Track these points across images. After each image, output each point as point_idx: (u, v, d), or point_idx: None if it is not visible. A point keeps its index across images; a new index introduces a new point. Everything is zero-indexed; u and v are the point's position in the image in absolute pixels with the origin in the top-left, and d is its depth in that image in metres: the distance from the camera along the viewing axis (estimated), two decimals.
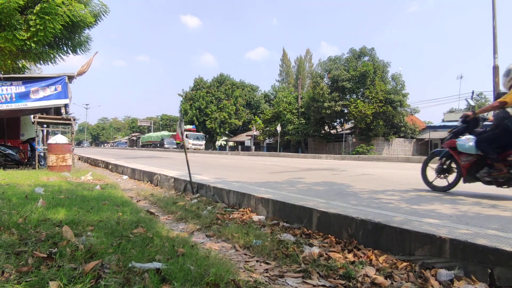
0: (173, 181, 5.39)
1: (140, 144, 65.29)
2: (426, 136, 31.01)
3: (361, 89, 26.20)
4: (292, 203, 2.97)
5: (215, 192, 4.19)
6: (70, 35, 10.25)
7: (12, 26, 8.81)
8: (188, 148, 34.78)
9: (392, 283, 1.74)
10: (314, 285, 1.76)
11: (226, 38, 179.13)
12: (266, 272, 1.94)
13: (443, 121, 31.25)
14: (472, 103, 21.77)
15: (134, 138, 76.43)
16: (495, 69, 13.88)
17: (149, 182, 6.37)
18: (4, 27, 8.85)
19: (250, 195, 3.54)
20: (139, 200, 4.48)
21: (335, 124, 30.92)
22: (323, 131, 30.37)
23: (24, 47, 9.31)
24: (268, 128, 33.25)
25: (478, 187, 4.00)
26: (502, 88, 3.99)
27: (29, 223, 2.24)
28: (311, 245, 2.37)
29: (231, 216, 3.28)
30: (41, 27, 8.81)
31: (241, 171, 7.24)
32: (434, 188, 4.24)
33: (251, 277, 1.82)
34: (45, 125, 9.31)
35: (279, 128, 27.71)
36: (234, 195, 3.83)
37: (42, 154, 8.93)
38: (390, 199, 3.32)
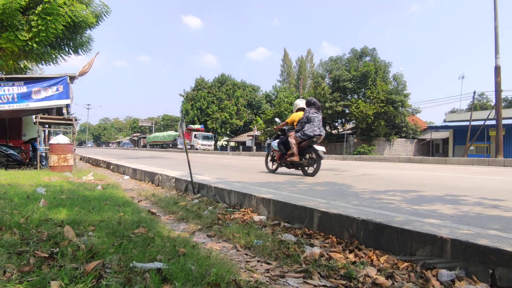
0: (174, 181, 5.39)
1: (142, 144, 64.78)
2: (427, 136, 30.96)
3: (363, 89, 26.19)
4: (293, 203, 2.97)
5: (216, 192, 4.19)
6: (71, 35, 10.29)
7: (14, 26, 8.85)
8: (197, 149, 34.38)
9: (393, 283, 1.74)
10: (315, 285, 1.76)
11: (228, 38, 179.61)
12: (267, 272, 1.94)
13: (444, 121, 31.16)
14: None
15: (136, 138, 76.55)
16: (497, 69, 13.85)
17: (150, 182, 6.38)
18: (6, 27, 8.89)
19: (251, 195, 3.54)
20: (141, 200, 4.49)
21: (337, 124, 30.92)
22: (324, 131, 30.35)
23: (26, 47, 9.35)
24: (269, 128, 33.23)
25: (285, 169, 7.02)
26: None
27: (30, 223, 2.25)
28: (312, 245, 2.37)
29: (232, 216, 3.28)
30: (43, 28, 8.84)
31: (242, 171, 7.24)
32: (270, 171, 6.99)
33: (252, 277, 1.82)
34: (46, 126, 9.34)
35: None
36: (235, 195, 3.83)
37: (43, 154, 8.95)
38: (391, 199, 3.31)
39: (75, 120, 8.95)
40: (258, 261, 2.14)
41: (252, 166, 9.24)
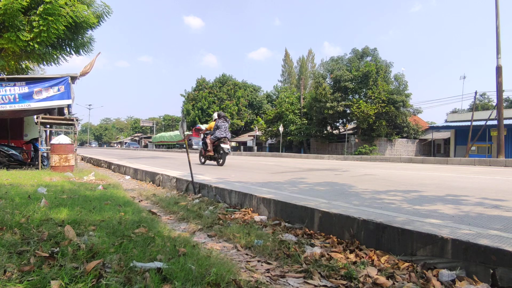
0: (175, 181, 5.40)
1: (144, 144, 64.19)
2: (429, 136, 30.89)
3: (364, 90, 26.13)
4: (294, 203, 2.96)
5: (217, 192, 4.19)
6: (73, 36, 10.31)
7: (15, 27, 8.88)
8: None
9: (393, 284, 1.73)
10: (315, 285, 1.76)
11: (229, 38, 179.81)
12: (268, 272, 1.94)
13: (446, 121, 31.09)
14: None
15: (137, 138, 76.53)
16: (499, 69, 13.81)
17: (151, 182, 6.38)
18: (7, 28, 8.92)
19: (252, 195, 3.54)
20: (141, 200, 4.49)
21: (338, 124, 30.86)
22: (325, 132, 30.31)
23: (27, 48, 9.38)
24: (270, 129, 33.23)
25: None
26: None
27: (31, 222, 2.26)
28: (312, 245, 2.37)
29: (232, 216, 3.28)
30: (44, 28, 8.87)
31: (243, 171, 7.24)
32: (201, 163, 9.74)
33: (252, 277, 1.82)
34: (48, 126, 9.36)
35: (281, 129, 27.68)
36: (235, 195, 3.83)
37: (45, 154, 8.97)
38: (392, 199, 3.31)
39: (77, 120, 8.96)
40: (258, 261, 2.14)
41: (253, 166, 9.23)
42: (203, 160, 9.90)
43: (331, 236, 2.52)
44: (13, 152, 8.41)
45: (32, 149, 9.31)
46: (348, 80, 25.78)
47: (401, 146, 27.98)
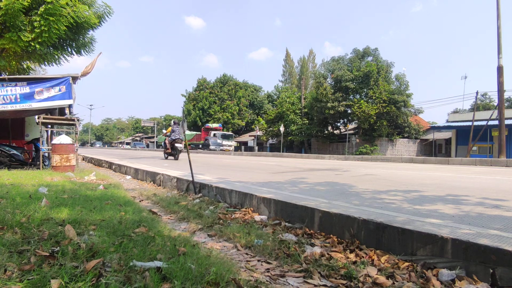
0: (176, 181, 5.40)
1: (145, 144, 63.94)
2: (430, 136, 30.85)
3: (365, 89, 26.12)
4: (294, 203, 2.96)
5: (217, 192, 4.20)
6: (74, 36, 10.34)
7: (16, 27, 8.90)
8: (214, 149, 33.05)
9: (393, 283, 1.73)
10: (315, 285, 1.76)
11: (230, 38, 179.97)
12: (267, 272, 1.94)
13: (447, 121, 31.03)
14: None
15: (138, 138, 76.55)
16: (500, 69, 13.79)
17: (152, 182, 6.39)
18: (8, 28, 8.94)
19: (252, 195, 3.54)
20: (142, 200, 4.49)
21: (339, 124, 30.86)
22: (326, 132, 30.31)
23: (28, 48, 9.40)
24: (271, 129, 33.21)
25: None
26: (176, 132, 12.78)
27: (32, 222, 2.26)
28: (312, 245, 2.37)
29: (233, 216, 3.29)
30: (46, 28, 8.89)
31: (243, 171, 7.24)
32: (165, 158, 13.31)
33: (252, 276, 1.82)
34: (49, 126, 9.38)
35: (282, 129, 27.68)
36: (236, 195, 3.83)
37: (46, 154, 8.99)
38: (392, 199, 3.30)
39: (78, 120, 8.98)
40: (258, 260, 2.14)
41: (254, 166, 9.24)
42: (166, 156, 13.56)
43: (331, 235, 2.52)
44: (15, 152, 8.43)
45: (33, 149, 9.33)
46: (349, 80, 25.76)
47: (402, 146, 27.93)
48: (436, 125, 30.62)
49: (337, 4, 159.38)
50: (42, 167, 8.08)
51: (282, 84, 58.28)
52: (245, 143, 44.88)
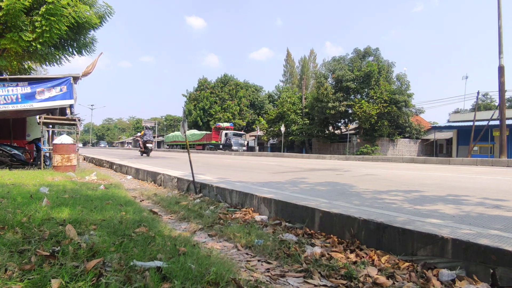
0: (176, 181, 5.41)
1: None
2: (431, 136, 30.80)
3: (366, 89, 26.09)
4: (295, 203, 2.97)
5: (218, 192, 4.20)
6: (75, 36, 10.35)
7: (18, 27, 8.92)
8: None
9: (393, 283, 1.73)
10: (315, 285, 1.76)
11: (231, 38, 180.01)
12: (267, 272, 1.94)
13: (448, 121, 30.98)
14: None
15: (138, 138, 76.44)
16: (501, 69, 13.76)
17: (152, 182, 6.40)
18: (10, 28, 8.96)
19: (253, 195, 3.54)
20: (142, 200, 4.50)
21: (340, 124, 30.82)
22: (327, 132, 30.27)
23: (29, 48, 9.42)
24: (272, 129, 33.19)
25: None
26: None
27: (33, 222, 2.27)
28: (313, 245, 2.37)
29: (233, 216, 3.29)
30: (47, 28, 8.91)
31: (244, 171, 7.24)
32: (141, 155, 17.38)
33: (252, 276, 1.82)
34: (50, 126, 9.39)
35: (283, 129, 27.66)
36: (236, 195, 3.83)
37: (47, 154, 9.01)
38: (393, 199, 3.30)
39: (79, 120, 9.00)
40: (258, 260, 2.14)
41: (254, 166, 9.24)
42: (141, 154, 17.75)
43: (331, 236, 2.52)
44: (16, 152, 8.45)
45: (35, 149, 9.34)
46: (350, 80, 25.73)
47: (403, 146, 27.89)
48: (437, 125, 30.56)
49: (338, 4, 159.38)
50: (43, 167, 8.09)
51: (283, 84, 58.28)
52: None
